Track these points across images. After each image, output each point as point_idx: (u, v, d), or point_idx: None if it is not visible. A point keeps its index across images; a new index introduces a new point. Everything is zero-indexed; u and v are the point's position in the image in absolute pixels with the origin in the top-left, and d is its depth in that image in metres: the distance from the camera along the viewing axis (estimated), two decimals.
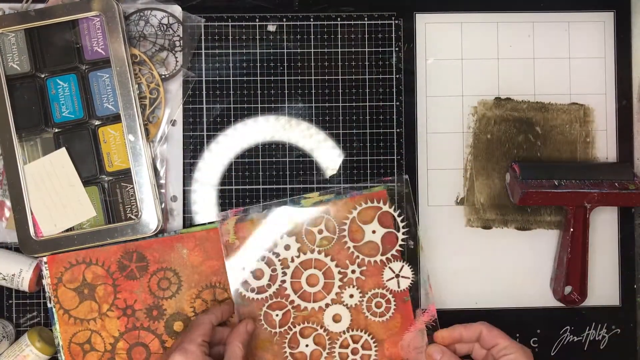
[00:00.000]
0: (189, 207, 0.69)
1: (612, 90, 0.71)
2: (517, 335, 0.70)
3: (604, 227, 0.71)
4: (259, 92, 0.70)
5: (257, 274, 0.67)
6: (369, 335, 0.67)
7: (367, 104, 0.70)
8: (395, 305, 0.68)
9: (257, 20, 0.70)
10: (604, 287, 0.71)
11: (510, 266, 0.70)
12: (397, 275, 0.68)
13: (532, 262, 0.70)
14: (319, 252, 0.67)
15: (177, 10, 0.69)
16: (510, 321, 0.70)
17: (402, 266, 0.68)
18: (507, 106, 0.71)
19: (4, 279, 0.66)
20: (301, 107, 0.70)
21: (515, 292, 0.70)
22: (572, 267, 0.68)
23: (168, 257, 0.67)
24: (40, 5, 0.68)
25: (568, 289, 0.69)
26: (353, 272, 0.67)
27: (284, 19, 0.70)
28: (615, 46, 0.71)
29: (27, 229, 0.66)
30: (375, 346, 0.67)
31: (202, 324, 0.61)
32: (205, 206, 0.69)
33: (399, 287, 0.67)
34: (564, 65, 0.71)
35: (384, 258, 0.68)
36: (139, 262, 0.67)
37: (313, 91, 0.70)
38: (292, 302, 0.67)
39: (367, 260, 0.67)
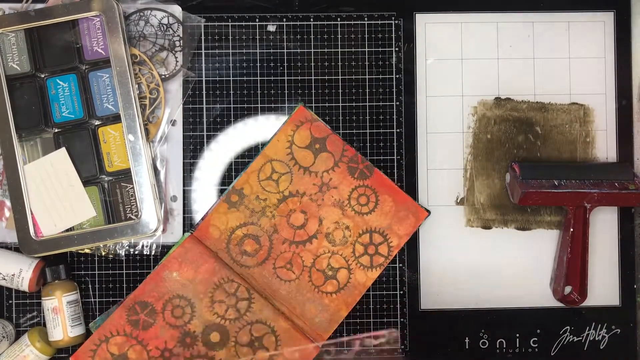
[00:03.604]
0: (189, 206, 0.69)
1: (612, 90, 0.71)
2: (517, 335, 0.70)
3: (604, 227, 0.71)
4: (259, 92, 0.70)
5: (245, 247, 0.68)
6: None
7: (367, 104, 0.70)
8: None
9: (257, 20, 0.70)
10: (604, 287, 0.71)
11: (510, 266, 0.70)
12: None
13: (532, 262, 0.70)
14: (287, 195, 0.69)
15: (177, 10, 0.69)
16: (510, 321, 0.70)
17: None
18: (507, 106, 0.71)
19: (4, 279, 0.66)
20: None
21: (515, 292, 0.70)
22: (572, 267, 0.68)
23: (165, 288, 0.67)
24: (40, 5, 0.68)
25: (568, 289, 0.69)
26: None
27: (284, 19, 0.70)
28: (615, 46, 0.71)
29: (27, 229, 0.66)
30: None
31: None
32: (206, 206, 0.69)
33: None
34: (564, 65, 0.71)
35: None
36: (145, 309, 0.66)
37: (313, 91, 0.70)
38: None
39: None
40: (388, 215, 0.68)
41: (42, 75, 0.67)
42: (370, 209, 0.68)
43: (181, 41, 0.69)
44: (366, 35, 0.71)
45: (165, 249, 0.69)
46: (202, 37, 0.70)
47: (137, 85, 0.68)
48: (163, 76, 0.69)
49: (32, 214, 0.66)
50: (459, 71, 0.71)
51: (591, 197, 0.67)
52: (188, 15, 0.69)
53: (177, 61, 0.69)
